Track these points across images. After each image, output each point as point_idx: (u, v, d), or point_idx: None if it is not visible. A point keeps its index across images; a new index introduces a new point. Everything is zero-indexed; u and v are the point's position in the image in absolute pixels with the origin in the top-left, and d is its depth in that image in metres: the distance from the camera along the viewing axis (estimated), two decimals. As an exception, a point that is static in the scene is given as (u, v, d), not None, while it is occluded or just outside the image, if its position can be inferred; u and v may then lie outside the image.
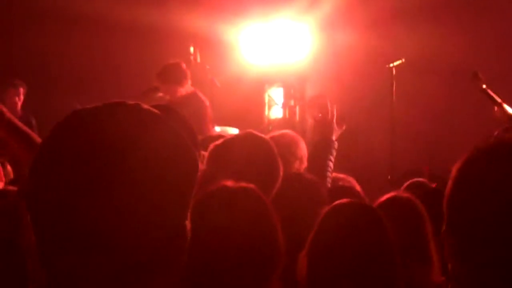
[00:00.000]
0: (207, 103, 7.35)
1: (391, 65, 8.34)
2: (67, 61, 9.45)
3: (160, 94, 7.51)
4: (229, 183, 2.31)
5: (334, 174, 4.29)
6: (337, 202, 2.67)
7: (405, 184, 4.25)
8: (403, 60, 8.35)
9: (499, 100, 7.12)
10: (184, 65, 7.44)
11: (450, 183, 1.65)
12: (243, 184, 2.32)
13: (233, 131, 7.58)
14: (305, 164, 4.44)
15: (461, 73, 8.58)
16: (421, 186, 4.19)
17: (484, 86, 7.19)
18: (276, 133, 4.57)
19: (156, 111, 1.31)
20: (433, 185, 4.21)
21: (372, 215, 2.62)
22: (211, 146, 3.35)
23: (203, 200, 2.22)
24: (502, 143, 1.65)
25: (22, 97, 8.44)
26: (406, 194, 3.25)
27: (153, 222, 1.23)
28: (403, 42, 8.86)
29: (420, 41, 8.87)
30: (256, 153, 3.21)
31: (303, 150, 4.47)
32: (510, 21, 8.43)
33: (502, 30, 8.51)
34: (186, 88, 7.31)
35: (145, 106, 1.30)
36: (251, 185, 2.33)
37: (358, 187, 4.29)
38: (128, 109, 1.29)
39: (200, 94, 7.43)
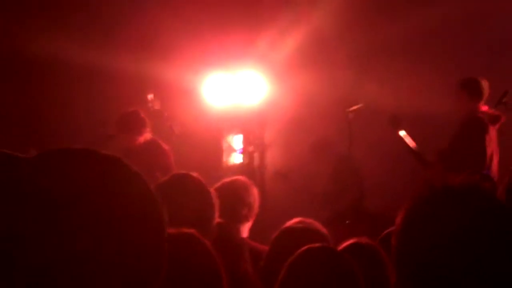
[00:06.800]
0: (167, 150, 7.25)
1: (349, 109, 8.38)
2: (22, 107, 9.31)
3: (118, 142, 7.36)
4: (171, 230, 2.27)
5: (300, 219, 4.19)
6: (308, 246, 2.64)
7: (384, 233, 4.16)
8: (361, 104, 8.39)
9: (414, 148, 7.20)
10: (142, 114, 7.34)
11: (393, 237, 1.65)
12: (184, 230, 2.29)
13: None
14: (256, 210, 4.34)
15: (417, 115, 8.67)
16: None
17: (402, 133, 7.26)
18: (227, 179, 4.48)
19: (117, 156, 1.26)
20: None
21: (342, 261, 2.60)
22: None
23: None
24: (441, 192, 1.64)
25: None
26: (367, 240, 3.21)
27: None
28: (361, 86, 8.92)
29: (377, 85, 8.94)
30: (190, 193, 3.18)
31: (253, 196, 4.36)
32: (464, 63, 8.52)
33: (463, 73, 8.60)
34: (144, 137, 7.22)
35: (103, 151, 1.26)
36: (191, 230, 2.30)
37: (324, 230, 4.19)
38: (86, 155, 1.24)
39: (160, 142, 7.33)
